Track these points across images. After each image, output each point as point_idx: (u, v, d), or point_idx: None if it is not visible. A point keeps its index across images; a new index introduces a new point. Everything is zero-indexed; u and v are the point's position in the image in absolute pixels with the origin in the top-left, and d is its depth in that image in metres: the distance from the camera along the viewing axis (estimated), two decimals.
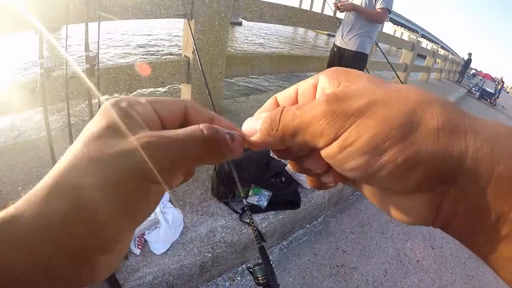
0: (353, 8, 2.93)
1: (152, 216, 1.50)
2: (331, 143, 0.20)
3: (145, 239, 1.48)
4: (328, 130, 0.20)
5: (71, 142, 1.69)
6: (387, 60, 3.85)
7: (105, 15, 2.06)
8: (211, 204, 1.79)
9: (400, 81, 4.03)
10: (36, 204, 0.18)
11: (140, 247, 1.46)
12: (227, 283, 1.66)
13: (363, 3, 2.92)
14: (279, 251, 1.89)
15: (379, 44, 4.08)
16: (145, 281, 1.41)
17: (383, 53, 3.88)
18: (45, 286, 0.18)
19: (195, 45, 2.15)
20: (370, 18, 2.89)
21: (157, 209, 1.52)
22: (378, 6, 2.85)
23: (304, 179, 1.94)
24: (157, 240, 1.47)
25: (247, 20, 3.04)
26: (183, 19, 2.48)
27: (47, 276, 0.18)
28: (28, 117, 4.50)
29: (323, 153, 0.21)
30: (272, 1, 3.14)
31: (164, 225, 1.47)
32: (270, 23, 3.27)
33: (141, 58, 7.60)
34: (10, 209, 0.18)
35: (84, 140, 0.20)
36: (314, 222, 2.14)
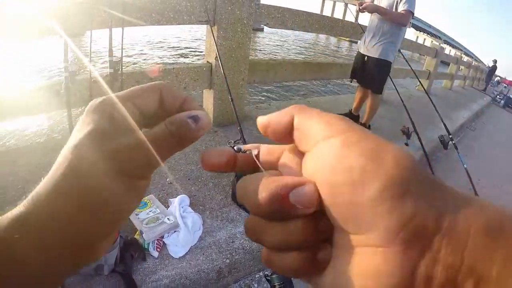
0: (375, 9, 2.89)
1: (172, 219, 1.50)
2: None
3: (164, 242, 1.49)
4: None
5: None
6: (410, 67, 3.76)
7: (128, 19, 2.11)
8: (231, 210, 1.78)
9: (424, 88, 3.93)
10: (43, 203, 0.21)
11: (158, 249, 1.47)
12: None
13: (386, 7, 2.88)
14: None
15: (402, 50, 4.02)
16: (162, 284, 1.42)
17: (406, 60, 3.79)
18: (44, 270, 0.21)
19: (217, 51, 2.17)
20: (393, 20, 2.84)
21: (177, 213, 1.53)
22: (401, 8, 2.80)
23: None
24: (176, 244, 1.47)
25: (269, 27, 3.04)
26: (206, 25, 2.52)
27: (48, 261, 0.21)
28: (52, 117, 4.69)
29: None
30: (293, 7, 3.14)
31: (184, 229, 1.48)
32: (292, 29, 3.26)
33: (161, 62, 7.76)
34: (19, 208, 0.22)
35: (76, 145, 0.22)
36: None
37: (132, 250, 1.46)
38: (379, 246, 0.16)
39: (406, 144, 3.21)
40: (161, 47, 9.20)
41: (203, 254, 1.52)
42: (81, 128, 0.23)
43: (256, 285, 1.67)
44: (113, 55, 1.85)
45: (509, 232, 0.15)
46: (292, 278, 1.24)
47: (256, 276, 1.71)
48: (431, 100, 3.37)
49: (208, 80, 2.65)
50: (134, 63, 7.14)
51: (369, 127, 3.29)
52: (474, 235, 0.16)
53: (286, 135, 0.22)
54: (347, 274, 0.18)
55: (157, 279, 1.42)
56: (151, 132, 0.23)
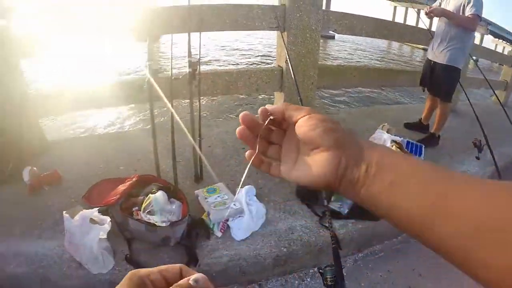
0: (442, 13, 2.80)
1: (238, 205, 1.65)
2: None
3: (228, 225, 1.64)
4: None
5: (172, 135, 1.93)
6: (484, 76, 3.52)
7: (205, 25, 2.32)
8: (294, 204, 1.88)
9: (499, 100, 3.64)
10: None
11: (222, 231, 1.62)
12: (296, 282, 1.71)
13: (453, 11, 2.79)
14: (353, 261, 1.87)
15: (478, 59, 3.77)
16: (220, 261, 1.57)
17: (479, 69, 3.56)
18: None
19: (287, 55, 2.28)
20: (460, 24, 2.73)
21: (243, 201, 1.67)
22: (468, 12, 2.68)
23: None
24: (239, 228, 1.61)
25: (337, 33, 3.10)
26: (276, 32, 2.66)
27: None
28: (134, 111, 5.25)
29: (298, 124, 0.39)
30: (365, 14, 3.16)
31: (248, 215, 1.61)
32: (360, 36, 3.28)
33: (237, 66, 8.20)
34: None
35: None
36: (394, 239, 2.05)
37: (198, 228, 1.62)
38: (325, 151, 0.36)
39: (477, 158, 3.02)
40: (233, 54, 9.64)
41: (263, 240, 1.63)
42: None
43: (309, 279, 1.73)
44: (192, 56, 2.05)
45: (380, 147, 0.36)
46: (343, 272, 1.27)
47: (310, 271, 1.76)
48: (506, 114, 3.13)
49: (279, 83, 2.77)
50: (209, 65, 7.65)
51: (438, 137, 3.17)
52: (365, 147, 0.35)
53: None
54: (311, 165, 0.37)
55: (217, 257, 1.57)
56: None
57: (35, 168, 2.39)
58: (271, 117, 0.41)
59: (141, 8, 2.35)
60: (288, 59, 2.29)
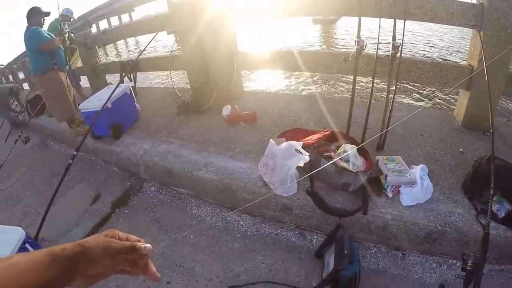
0: None
1: (412, 177, 1.91)
2: None
3: (399, 190, 1.92)
4: None
5: (369, 106, 2.27)
6: None
7: (408, 15, 2.49)
8: (458, 194, 2.01)
9: None
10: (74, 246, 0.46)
11: (393, 193, 1.92)
12: (434, 264, 1.86)
13: None
14: (488, 270, 1.86)
15: None
16: (384, 217, 1.86)
17: None
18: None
19: (483, 55, 2.30)
20: None
21: (417, 174, 1.92)
22: None
23: None
24: (408, 195, 1.88)
25: None
26: (471, 29, 2.66)
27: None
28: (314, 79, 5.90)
29: None
30: None
31: (419, 187, 1.86)
32: None
33: (428, 58, 8.39)
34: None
35: (102, 236, 0.51)
36: None
37: (374, 184, 1.95)
38: None
39: None
40: (432, 42, 9.76)
41: (425, 213, 1.86)
42: (103, 233, 0.52)
43: (445, 267, 1.85)
44: (395, 40, 2.29)
45: None
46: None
47: (449, 261, 1.88)
48: None
49: (467, 82, 2.75)
50: (408, 51, 8.15)
51: None
52: None
53: None
54: None
55: (383, 212, 1.88)
56: (125, 243, 0.52)
57: (236, 106, 3.05)
58: None
59: None
60: (483, 59, 2.31)
